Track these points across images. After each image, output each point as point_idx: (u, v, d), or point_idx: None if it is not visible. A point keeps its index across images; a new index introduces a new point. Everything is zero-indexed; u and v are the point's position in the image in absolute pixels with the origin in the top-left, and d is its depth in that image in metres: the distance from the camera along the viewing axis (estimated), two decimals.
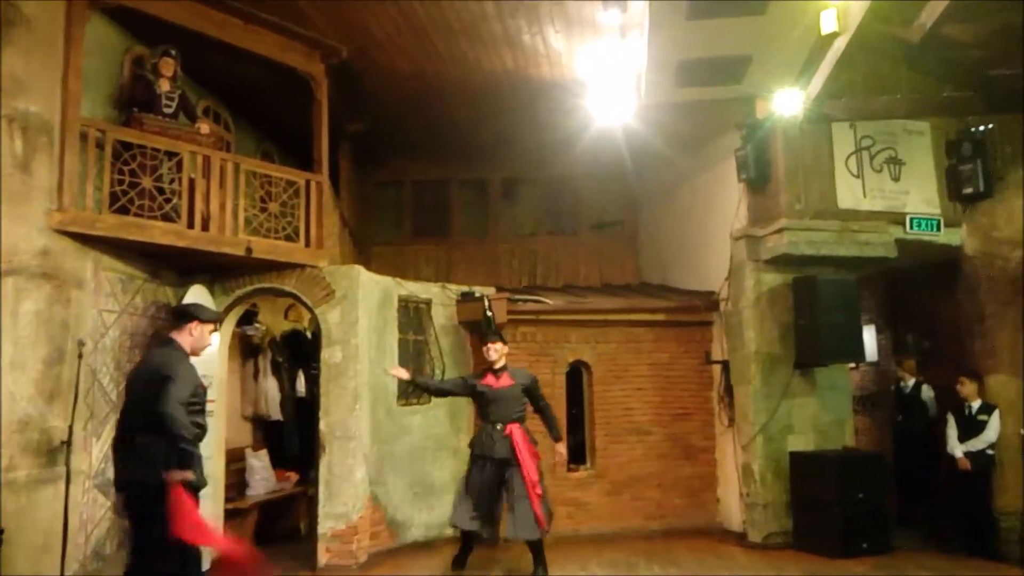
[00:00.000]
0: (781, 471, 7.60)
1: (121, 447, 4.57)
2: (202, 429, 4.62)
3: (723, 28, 6.71)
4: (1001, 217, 7.66)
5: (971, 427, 7.33)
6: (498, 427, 6.39)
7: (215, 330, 4.81)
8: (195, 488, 4.39)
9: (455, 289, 8.66)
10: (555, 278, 11.10)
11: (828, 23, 4.60)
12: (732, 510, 8.15)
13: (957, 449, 7.34)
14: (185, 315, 4.77)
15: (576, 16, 7.14)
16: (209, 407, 6.79)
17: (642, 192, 11.22)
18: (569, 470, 8.34)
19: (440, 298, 8.52)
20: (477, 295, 8.42)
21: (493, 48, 7.78)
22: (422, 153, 10.86)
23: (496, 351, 6.59)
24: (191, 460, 4.25)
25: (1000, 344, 7.75)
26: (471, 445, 6.71)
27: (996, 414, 7.31)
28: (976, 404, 7.40)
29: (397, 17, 7.27)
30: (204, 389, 4.78)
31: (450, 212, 11.57)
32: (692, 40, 6.92)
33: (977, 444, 7.25)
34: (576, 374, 8.65)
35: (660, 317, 8.73)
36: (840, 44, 4.72)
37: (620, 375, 8.62)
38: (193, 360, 6.41)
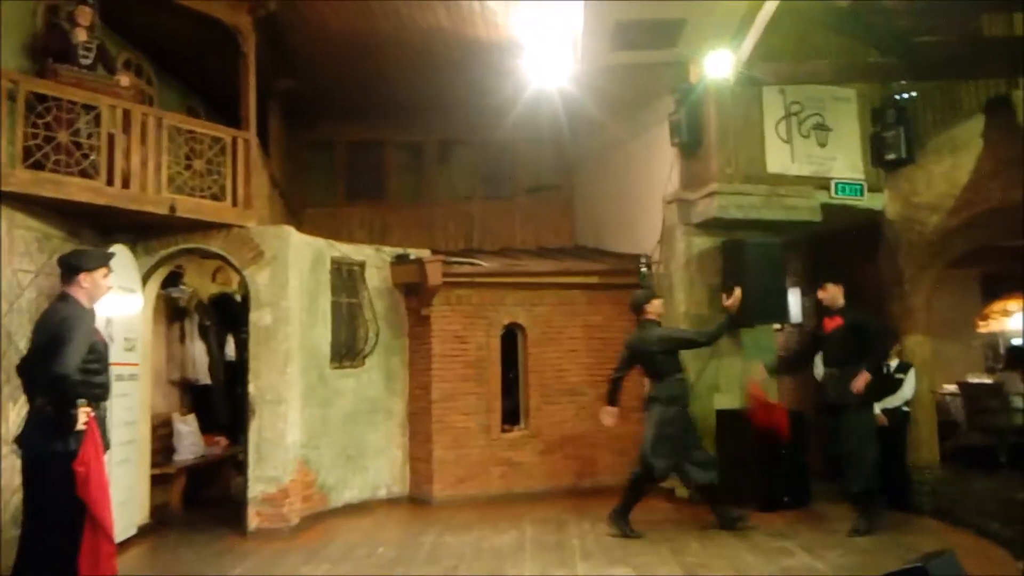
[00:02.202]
0: (708, 429, 7.78)
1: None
2: (103, 388, 4.45)
3: None
4: (921, 183, 7.93)
5: (889, 385, 7.61)
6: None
7: (107, 273, 4.57)
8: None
9: (390, 251, 8.58)
10: (491, 242, 11.06)
11: None
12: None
13: (875, 406, 7.63)
14: (71, 268, 4.44)
15: None
16: (133, 371, 6.73)
17: (578, 156, 11.24)
18: (504, 431, 8.42)
19: (374, 260, 8.43)
20: (412, 257, 8.36)
21: (427, 5, 7.61)
22: (356, 113, 10.62)
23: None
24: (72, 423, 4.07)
25: (916, 305, 8.09)
26: (676, 398, 6.62)
27: (912, 372, 7.61)
28: (894, 363, 7.68)
29: None
30: (105, 345, 4.60)
31: (385, 174, 11.39)
32: (628, 1, 6.91)
33: (894, 401, 7.53)
34: (511, 336, 8.69)
35: (594, 280, 8.81)
36: (770, 7, 4.77)
37: (554, 337, 8.69)
38: (117, 325, 6.30)
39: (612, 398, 6.78)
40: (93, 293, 4.48)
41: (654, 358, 6.62)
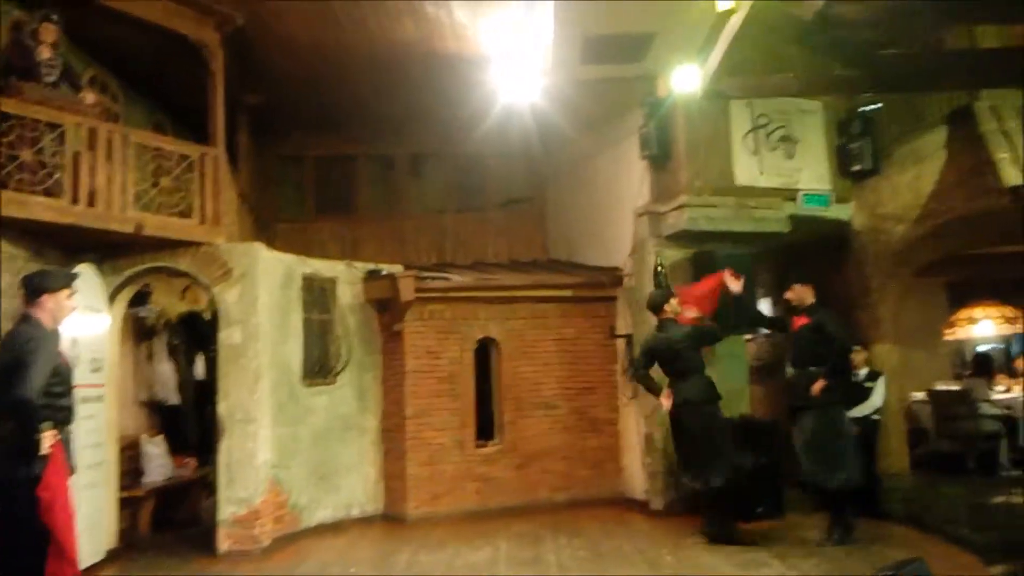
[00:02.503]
0: None
1: None
2: (68, 411, 4.37)
3: (627, 5, 6.77)
4: (886, 193, 8.04)
5: (859, 394, 7.68)
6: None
7: (71, 294, 4.51)
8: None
9: (362, 267, 8.53)
10: (464, 255, 11.03)
11: (724, 0, 4.68)
12: (635, 479, 8.35)
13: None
14: (34, 289, 4.39)
15: None
16: (99, 393, 6.61)
17: (550, 169, 11.27)
18: (478, 446, 8.38)
19: (346, 276, 8.38)
20: (384, 273, 8.31)
21: (396, 18, 7.61)
22: (325, 127, 10.56)
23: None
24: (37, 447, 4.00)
25: (884, 314, 8.19)
26: (714, 395, 6.70)
27: (882, 381, 7.69)
28: (863, 371, 7.75)
29: None
30: (69, 367, 4.51)
31: (356, 188, 11.30)
32: (597, 16, 6.96)
33: (864, 410, 7.58)
34: (485, 350, 8.67)
35: (567, 293, 8.83)
36: (735, 21, 4.80)
37: (528, 351, 8.68)
38: (83, 345, 6.19)
39: (653, 387, 6.73)
40: (57, 314, 4.41)
41: (681, 355, 6.59)
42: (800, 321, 6.61)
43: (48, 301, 4.35)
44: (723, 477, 6.35)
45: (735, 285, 6.75)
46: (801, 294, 6.63)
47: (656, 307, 6.86)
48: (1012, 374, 10.49)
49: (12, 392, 3.92)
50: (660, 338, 6.73)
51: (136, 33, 7.09)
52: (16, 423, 4.00)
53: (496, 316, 8.60)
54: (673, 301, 6.83)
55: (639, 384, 7.04)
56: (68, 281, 4.50)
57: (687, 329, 6.71)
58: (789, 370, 7.02)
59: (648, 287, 8.02)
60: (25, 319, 4.35)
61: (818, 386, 6.27)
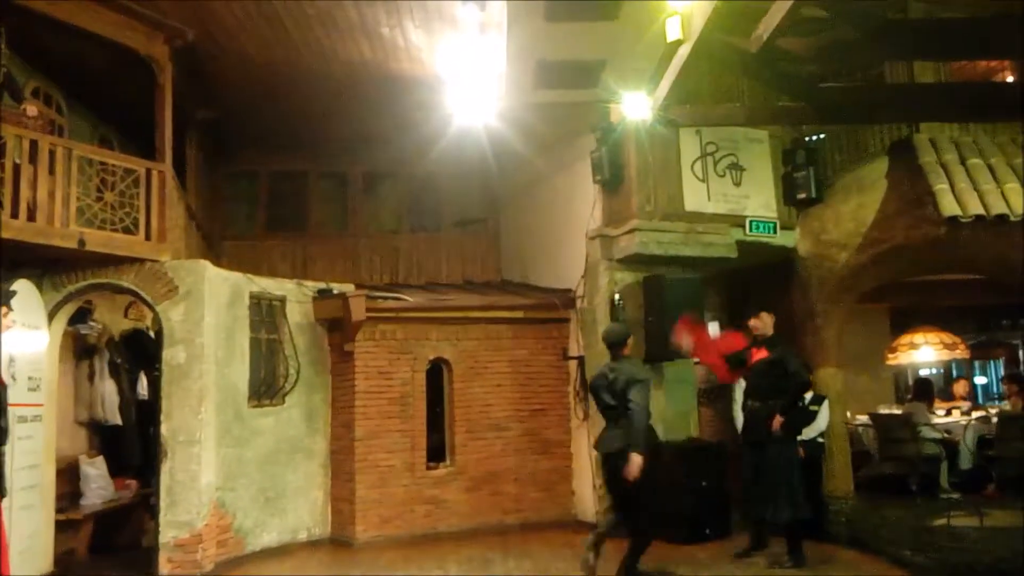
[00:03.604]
0: None
1: None
2: (2, 432, 4.24)
3: (579, 31, 6.88)
4: (830, 221, 8.25)
5: (804, 417, 7.78)
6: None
7: (7, 312, 4.41)
8: None
9: (312, 286, 8.44)
10: (417, 275, 10.99)
11: (673, 30, 4.76)
12: (586, 502, 8.35)
13: None
14: None
15: (435, 11, 7.10)
16: (37, 412, 6.40)
17: (504, 190, 11.32)
18: (429, 468, 8.30)
19: (296, 295, 8.27)
20: (335, 292, 8.23)
21: (350, 38, 7.61)
22: (278, 144, 10.47)
23: None
24: None
25: (828, 339, 8.36)
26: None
27: (826, 404, 7.82)
28: (809, 395, 7.86)
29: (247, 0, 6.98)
30: (4, 386, 4.39)
31: (307, 205, 11.20)
32: (550, 41, 7.05)
33: (809, 432, 7.65)
34: (437, 372, 8.62)
35: (519, 315, 8.84)
36: (684, 52, 4.90)
37: (480, 372, 8.66)
38: (20, 363, 6.00)
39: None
40: None
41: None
42: (759, 354, 6.62)
43: None
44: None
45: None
46: (767, 323, 6.64)
47: (619, 343, 6.10)
48: (949, 398, 10.80)
49: None
50: (612, 374, 5.98)
51: (83, 45, 6.98)
52: None
53: (449, 337, 8.57)
54: (631, 340, 6.25)
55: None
56: (5, 299, 4.38)
57: (642, 370, 6.19)
58: (747, 403, 6.84)
59: (601, 308, 8.08)
60: None
61: (777, 422, 6.31)
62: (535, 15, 6.64)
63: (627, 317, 7.76)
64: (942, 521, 7.38)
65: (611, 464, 5.91)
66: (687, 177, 8.02)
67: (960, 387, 11.58)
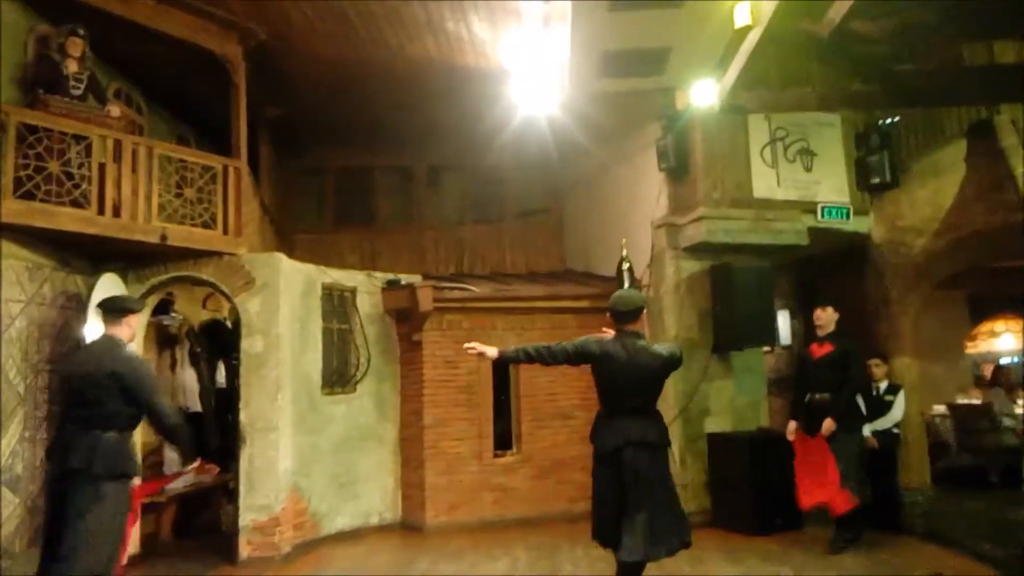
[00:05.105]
0: (699, 452, 7.82)
1: (67, 441, 4.58)
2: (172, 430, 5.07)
3: (644, 20, 6.80)
4: (905, 206, 8.03)
5: (879, 407, 7.62)
6: None
7: (136, 319, 5.05)
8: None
9: (381, 277, 8.60)
10: (481, 266, 11.10)
11: (742, 17, 4.72)
12: None
13: (866, 428, 7.63)
14: (124, 309, 4.89)
15: (500, 5, 7.13)
16: None
17: (567, 181, 11.32)
18: (496, 456, 8.41)
19: (365, 286, 8.45)
20: (403, 283, 8.38)
21: (416, 34, 7.71)
22: (345, 139, 10.68)
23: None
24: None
25: (903, 327, 8.15)
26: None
27: (902, 394, 7.61)
28: (883, 385, 7.70)
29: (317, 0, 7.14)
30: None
31: (374, 199, 11.43)
32: (614, 31, 7.00)
33: (884, 423, 7.52)
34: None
35: (584, 304, 8.84)
36: (753, 37, 4.85)
37: None
38: None
39: None
40: (133, 336, 4.97)
41: (653, 384, 4.81)
42: (822, 350, 6.62)
43: (133, 320, 4.90)
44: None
45: None
46: (830, 318, 6.65)
47: (635, 313, 4.85)
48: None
49: (157, 410, 4.71)
50: (624, 352, 4.70)
51: (160, 47, 7.24)
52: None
53: (514, 327, 8.63)
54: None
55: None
56: (137, 307, 5.09)
57: (663, 351, 4.79)
58: (813, 397, 6.70)
59: (667, 297, 8.01)
60: (108, 338, 4.82)
61: (827, 427, 6.36)
62: (599, 5, 6.59)
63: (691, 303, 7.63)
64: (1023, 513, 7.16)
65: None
66: (756, 163, 7.89)
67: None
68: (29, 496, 5.98)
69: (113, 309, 4.88)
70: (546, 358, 4.76)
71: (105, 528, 4.44)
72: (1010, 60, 7.35)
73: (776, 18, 4.53)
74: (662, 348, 4.83)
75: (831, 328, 6.65)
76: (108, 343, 4.80)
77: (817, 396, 6.61)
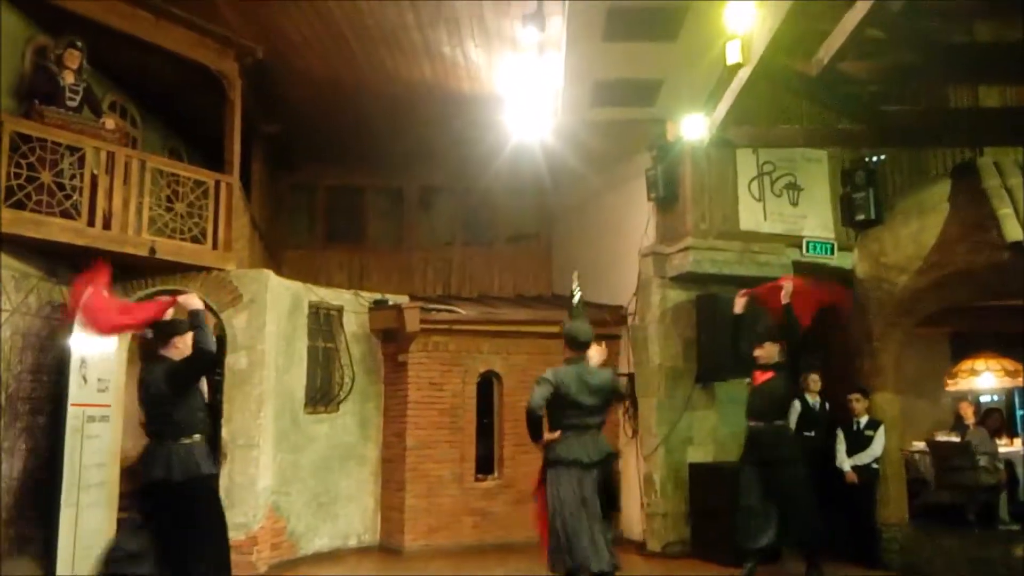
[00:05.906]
0: (681, 482, 7.83)
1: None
2: None
3: (637, 51, 6.93)
4: (889, 244, 8.12)
5: (859, 442, 7.68)
6: None
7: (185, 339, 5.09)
8: None
9: (368, 297, 8.62)
10: (469, 288, 11.13)
11: (733, 54, 4.79)
12: (633, 519, 8.33)
13: (845, 463, 7.66)
14: (170, 333, 5.07)
15: (496, 31, 7.24)
16: (105, 413, 6.67)
17: (557, 206, 11.40)
18: (477, 479, 8.38)
19: (352, 305, 8.46)
20: (390, 303, 8.40)
21: (413, 58, 7.80)
22: (338, 158, 10.73)
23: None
24: None
25: (886, 363, 8.20)
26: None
27: (882, 430, 7.68)
28: (864, 420, 7.76)
29: (314, 20, 7.21)
30: None
31: (365, 219, 11.47)
32: (608, 61, 7.12)
33: (864, 458, 7.58)
34: (487, 384, 8.71)
35: None
36: (743, 74, 4.92)
37: (530, 385, 8.41)
38: (90, 365, 6.29)
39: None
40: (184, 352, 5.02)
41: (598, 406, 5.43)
42: (764, 376, 6.60)
43: (180, 341, 5.01)
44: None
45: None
46: (771, 352, 6.61)
47: (587, 343, 5.44)
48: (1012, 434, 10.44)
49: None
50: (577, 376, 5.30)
51: (157, 61, 7.30)
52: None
53: (499, 350, 8.65)
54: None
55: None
56: (184, 328, 5.09)
57: (608, 376, 5.53)
58: (750, 423, 6.72)
59: (653, 326, 8.06)
60: (161, 359, 5.01)
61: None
62: (594, 35, 6.71)
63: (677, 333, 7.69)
64: (1000, 552, 7.18)
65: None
66: (743, 196, 8.00)
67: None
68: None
69: (159, 334, 5.14)
70: (536, 412, 5.36)
71: None
72: (994, 103, 7.50)
73: (767, 56, 4.60)
74: (605, 373, 5.55)
75: (775, 360, 6.59)
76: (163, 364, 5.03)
77: (756, 424, 6.58)
